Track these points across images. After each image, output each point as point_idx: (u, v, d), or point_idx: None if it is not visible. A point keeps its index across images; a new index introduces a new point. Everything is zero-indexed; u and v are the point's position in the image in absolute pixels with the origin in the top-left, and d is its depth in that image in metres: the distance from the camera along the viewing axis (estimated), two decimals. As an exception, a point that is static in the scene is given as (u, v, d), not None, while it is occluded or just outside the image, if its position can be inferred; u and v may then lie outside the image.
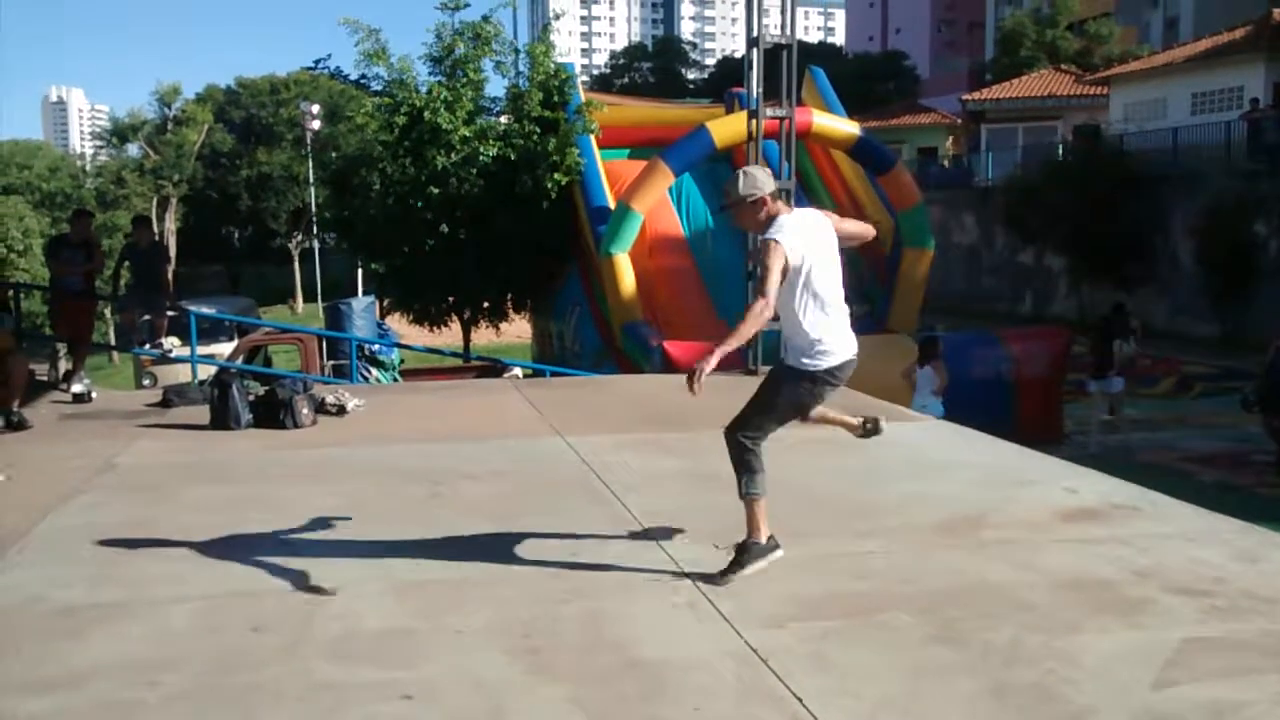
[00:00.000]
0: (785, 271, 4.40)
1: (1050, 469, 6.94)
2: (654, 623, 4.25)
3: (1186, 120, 30.65)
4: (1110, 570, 4.77)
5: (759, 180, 4.57)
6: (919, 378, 12.92)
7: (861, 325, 17.93)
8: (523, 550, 5.17)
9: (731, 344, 4.46)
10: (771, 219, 4.54)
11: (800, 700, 3.53)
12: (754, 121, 11.24)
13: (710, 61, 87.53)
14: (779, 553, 4.70)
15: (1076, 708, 3.46)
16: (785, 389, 4.71)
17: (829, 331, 4.59)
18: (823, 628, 4.16)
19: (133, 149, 59.72)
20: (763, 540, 4.66)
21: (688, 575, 4.76)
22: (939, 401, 12.55)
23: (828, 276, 4.57)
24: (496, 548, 5.25)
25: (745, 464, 4.64)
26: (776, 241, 4.41)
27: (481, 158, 17.72)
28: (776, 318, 4.58)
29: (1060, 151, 33.69)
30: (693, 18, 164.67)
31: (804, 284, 4.49)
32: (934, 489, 6.28)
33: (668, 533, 5.41)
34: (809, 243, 4.51)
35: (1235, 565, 4.83)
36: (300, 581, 4.72)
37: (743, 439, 4.66)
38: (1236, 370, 19.30)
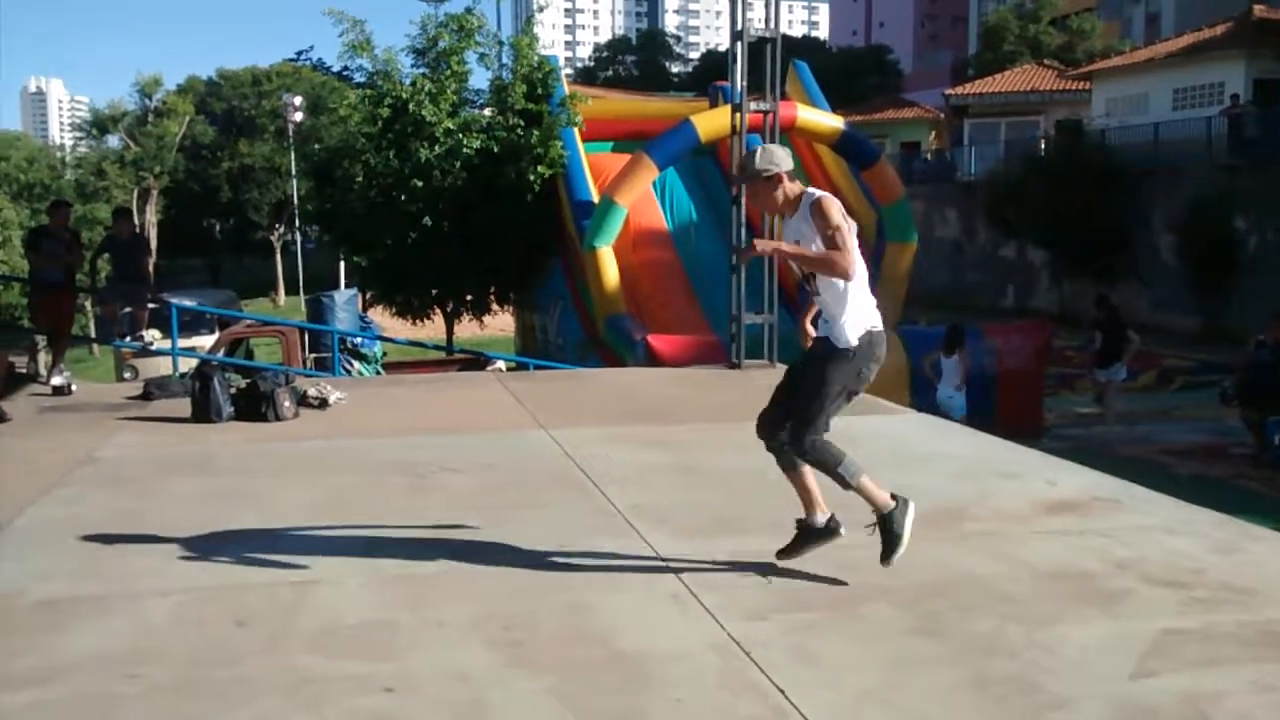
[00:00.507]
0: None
1: (1031, 462, 6.98)
2: (636, 615, 4.26)
3: (1168, 115, 30.79)
4: (1090, 562, 4.80)
5: (777, 156, 4.40)
6: (944, 367, 13.21)
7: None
8: (505, 543, 5.16)
9: (801, 255, 4.27)
10: (791, 200, 4.37)
11: (782, 692, 3.54)
12: (738, 115, 11.24)
13: (694, 55, 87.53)
14: (913, 505, 4.53)
15: (1056, 698, 3.48)
16: (835, 371, 4.43)
17: (872, 308, 4.47)
18: (805, 619, 4.17)
19: (113, 140, 59.30)
20: (892, 504, 4.49)
21: (670, 568, 4.77)
22: (962, 395, 12.93)
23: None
24: (479, 540, 5.26)
25: (829, 461, 4.42)
26: (834, 200, 4.24)
27: (465, 150, 17.67)
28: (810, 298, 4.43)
29: (1042, 146, 33.82)
30: (677, 11, 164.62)
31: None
32: (916, 481, 6.29)
33: (651, 525, 5.42)
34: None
35: (1213, 557, 4.87)
36: (282, 574, 4.71)
37: (811, 442, 4.42)
38: (1216, 364, 19.41)
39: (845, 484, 4.46)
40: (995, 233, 32.49)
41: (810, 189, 4.42)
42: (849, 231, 4.23)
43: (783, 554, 4.68)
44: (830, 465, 4.43)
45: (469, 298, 19.55)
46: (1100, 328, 15.25)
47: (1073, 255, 28.41)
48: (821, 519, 4.61)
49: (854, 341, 4.41)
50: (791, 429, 4.47)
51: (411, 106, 17.64)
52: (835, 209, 4.24)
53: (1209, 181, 25.51)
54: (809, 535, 4.64)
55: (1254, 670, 3.68)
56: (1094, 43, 45.94)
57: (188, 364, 12.12)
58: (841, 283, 4.30)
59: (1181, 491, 6.28)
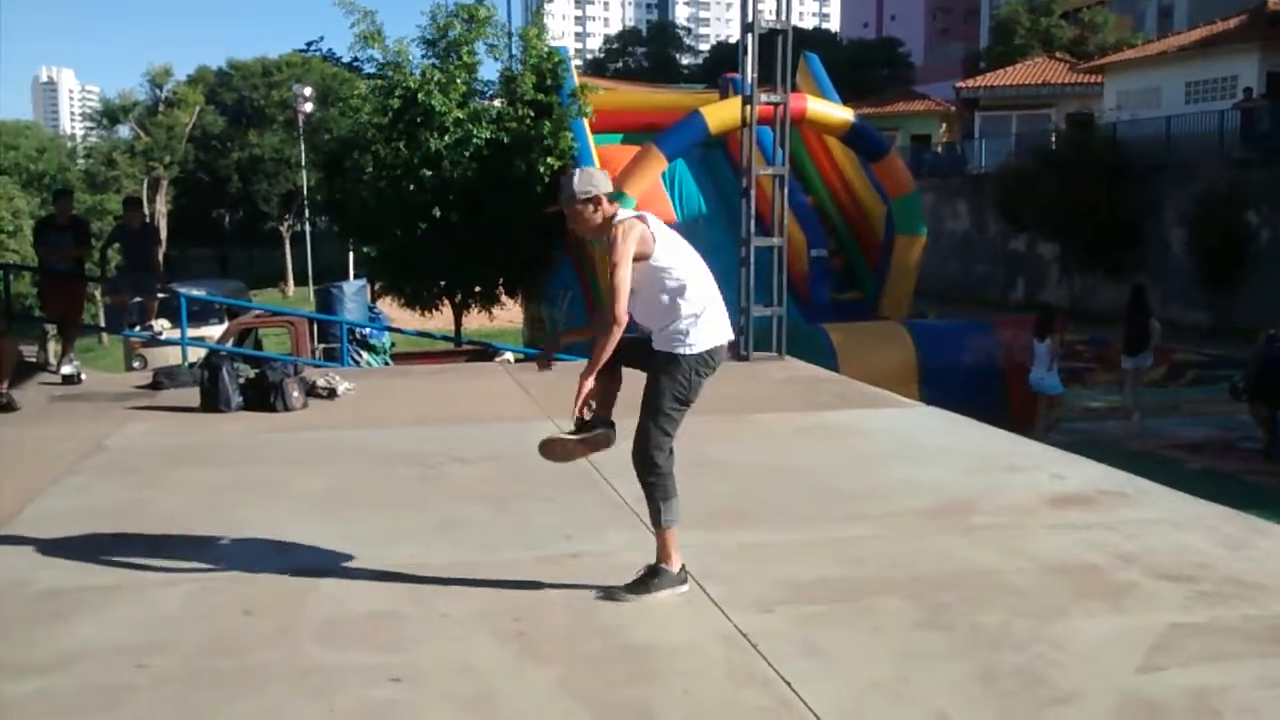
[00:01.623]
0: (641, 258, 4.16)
1: (1039, 455, 6.97)
2: (644, 607, 4.26)
3: (1180, 109, 30.63)
4: (1097, 556, 4.79)
5: (596, 179, 4.28)
6: (1037, 351, 13.70)
7: (854, 311, 18.05)
8: (512, 534, 5.17)
9: (595, 363, 4.27)
10: (609, 220, 4.26)
11: (789, 684, 3.54)
12: (748, 107, 11.22)
13: (705, 47, 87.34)
14: (684, 587, 4.36)
15: (1063, 691, 3.48)
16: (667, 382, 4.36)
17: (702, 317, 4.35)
18: (812, 612, 4.17)
19: (123, 130, 59.43)
20: (675, 569, 4.35)
21: (677, 559, 4.77)
22: (1055, 374, 13.55)
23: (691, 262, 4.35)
24: (486, 531, 5.27)
25: (659, 489, 4.32)
26: (631, 227, 4.17)
27: (475, 140, 17.66)
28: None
29: (1053, 140, 33.69)
30: (687, 3, 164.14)
31: (666, 271, 4.25)
32: (924, 475, 6.30)
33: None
34: (662, 231, 4.30)
35: (1221, 551, 4.86)
36: (290, 565, 4.73)
37: (654, 456, 4.32)
38: (1227, 358, 19.34)
39: (659, 521, 4.33)
40: (1005, 226, 32.39)
41: (623, 213, 4.28)
42: (625, 263, 4.12)
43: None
44: (657, 494, 4.33)
45: (477, 289, 19.54)
46: (1126, 317, 15.41)
47: (1083, 249, 28.31)
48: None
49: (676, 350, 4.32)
50: (635, 441, 4.40)
51: (421, 96, 17.63)
52: (624, 238, 4.13)
53: (1221, 175, 25.39)
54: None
55: (1261, 665, 3.67)
56: (1106, 36, 45.69)
57: (197, 354, 12.15)
58: (666, 297, 4.24)
59: (1190, 486, 6.26)
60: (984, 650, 3.81)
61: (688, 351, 4.29)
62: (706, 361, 4.33)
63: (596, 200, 4.26)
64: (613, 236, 4.16)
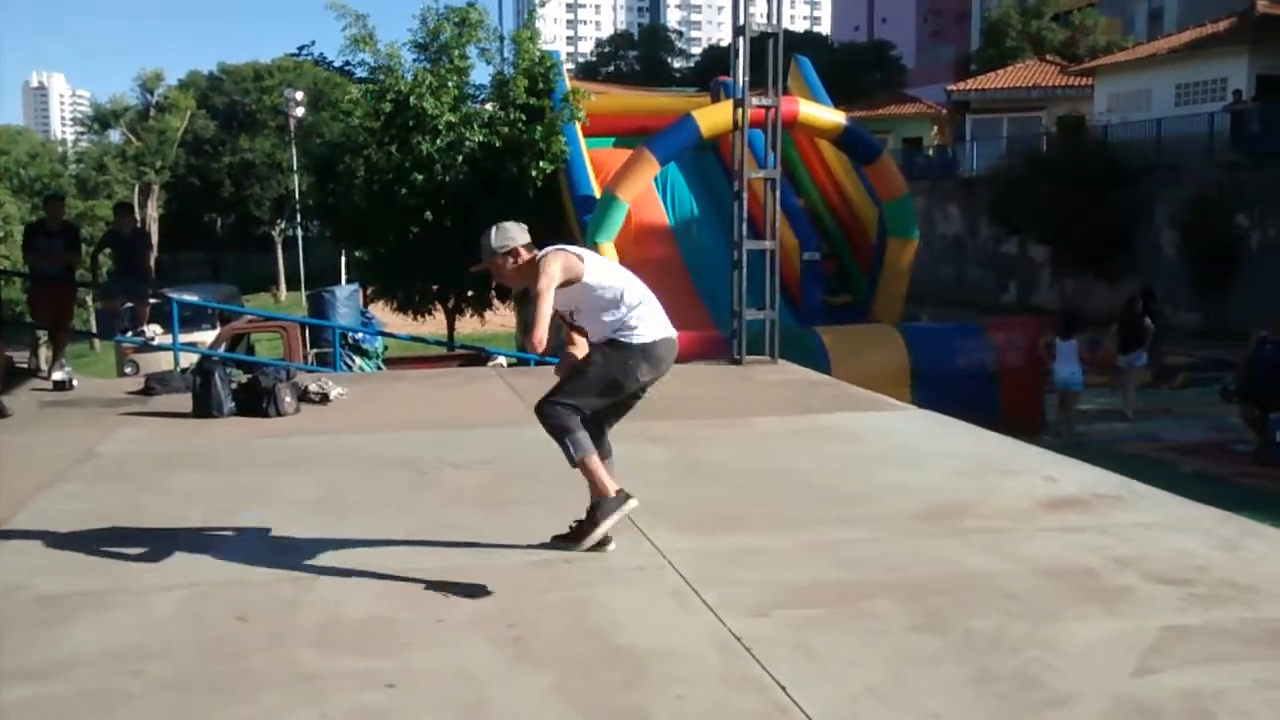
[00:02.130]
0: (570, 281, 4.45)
1: (1032, 458, 6.97)
2: (637, 611, 4.25)
3: (1170, 111, 30.73)
4: (1092, 559, 4.80)
5: (510, 232, 4.54)
6: (1061, 349, 14.56)
7: (846, 314, 18.05)
8: (506, 538, 5.16)
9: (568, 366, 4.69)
10: (532, 262, 4.52)
11: (784, 688, 3.54)
12: (740, 110, 11.23)
13: (696, 50, 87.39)
14: (633, 503, 4.62)
15: (1058, 694, 3.48)
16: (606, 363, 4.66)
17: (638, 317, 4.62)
18: (806, 616, 4.17)
19: (114, 135, 59.32)
20: (610, 494, 4.59)
21: (672, 564, 4.77)
22: (1080, 372, 14.61)
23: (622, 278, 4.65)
24: (480, 536, 5.25)
25: (562, 431, 4.57)
26: (552, 258, 4.43)
27: (467, 143, 17.67)
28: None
29: (1044, 143, 33.77)
30: (679, 6, 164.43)
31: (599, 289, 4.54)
32: (917, 478, 6.31)
33: (652, 521, 5.41)
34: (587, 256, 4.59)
35: (1215, 554, 4.87)
36: (283, 570, 4.71)
37: (554, 408, 4.61)
38: (1218, 360, 19.40)
39: (571, 459, 4.56)
40: (997, 229, 32.46)
41: (545, 249, 4.53)
42: (548, 293, 4.37)
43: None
44: (561, 433, 4.55)
45: (470, 293, 19.55)
46: (1120, 318, 16.11)
47: (1075, 251, 28.39)
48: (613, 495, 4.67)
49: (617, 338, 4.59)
50: (547, 394, 4.63)
51: (413, 100, 17.63)
52: (546, 270, 4.39)
53: (1211, 178, 25.48)
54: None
55: (1256, 667, 3.67)
56: (1097, 38, 45.83)
57: (189, 359, 12.12)
58: (605, 308, 4.53)
59: (1183, 488, 6.27)
60: (978, 653, 3.81)
61: (630, 340, 4.56)
62: (647, 354, 4.57)
63: (514, 252, 4.53)
64: (538, 269, 4.42)
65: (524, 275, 4.53)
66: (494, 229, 4.57)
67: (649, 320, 4.62)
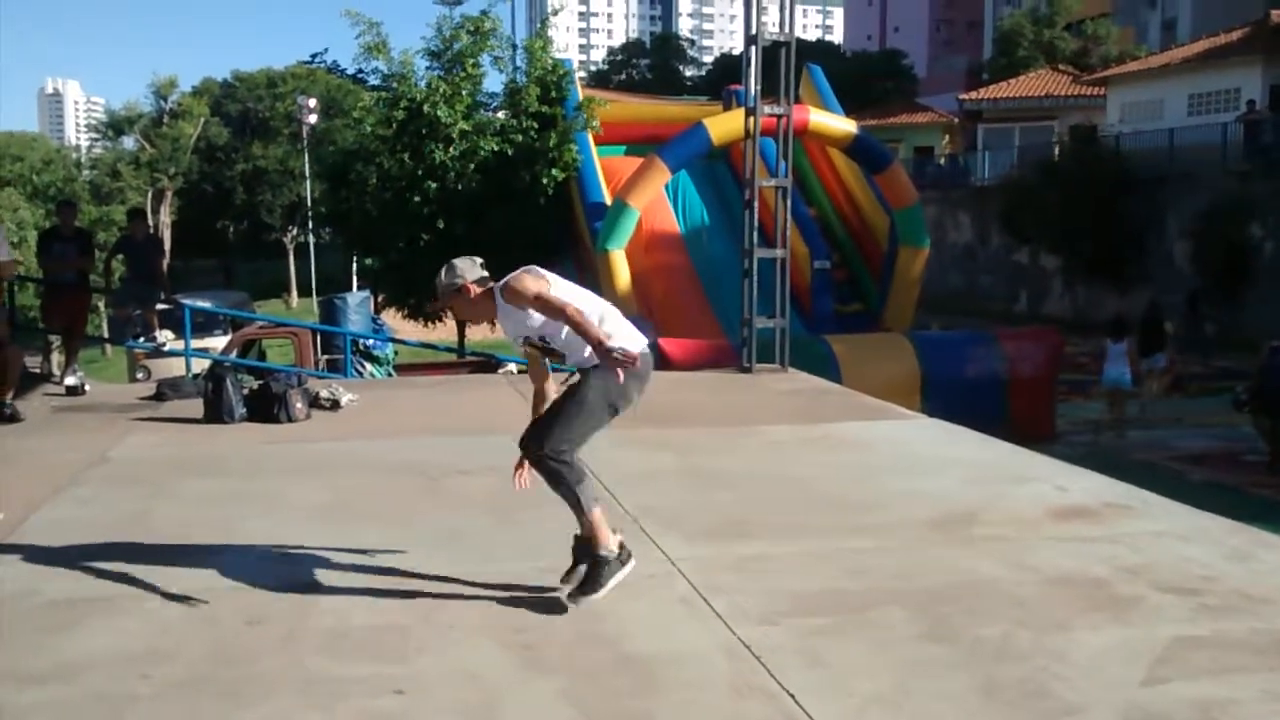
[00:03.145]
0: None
1: (1042, 467, 6.95)
2: (647, 618, 4.26)
3: (1183, 121, 30.67)
4: (1101, 568, 4.79)
5: (460, 268, 4.43)
6: (1112, 352, 15.45)
7: (857, 323, 18.05)
8: (515, 545, 5.17)
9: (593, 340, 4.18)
10: (487, 299, 4.42)
11: (793, 696, 3.54)
12: (751, 119, 11.24)
13: (708, 59, 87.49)
14: (632, 564, 4.37)
15: (1067, 704, 3.47)
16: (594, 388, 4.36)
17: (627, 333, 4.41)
18: (815, 624, 4.17)
19: (128, 142, 59.55)
20: (613, 553, 4.33)
21: (681, 571, 4.78)
22: (1129, 373, 15.48)
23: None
24: (489, 542, 5.27)
25: (570, 473, 4.28)
26: (518, 276, 4.29)
27: (481, 152, 17.71)
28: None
29: (1056, 152, 33.72)
30: (691, 14, 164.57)
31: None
32: (927, 486, 6.30)
33: (661, 528, 5.42)
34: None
35: (1226, 564, 4.85)
36: (293, 575, 4.73)
37: (560, 450, 4.27)
38: (1231, 370, 19.33)
39: (585, 508, 4.28)
40: (1008, 238, 32.43)
41: (501, 281, 4.37)
42: (551, 287, 4.26)
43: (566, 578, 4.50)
44: (572, 483, 4.26)
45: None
46: (1142, 325, 17.16)
47: (1086, 261, 28.34)
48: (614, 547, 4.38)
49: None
50: (537, 431, 4.34)
51: (426, 108, 17.68)
52: (523, 283, 4.26)
53: (1224, 188, 25.41)
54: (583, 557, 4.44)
55: (1266, 679, 3.66)
56: (1109, 48, 45.77)
57: (201, 365, 12.16)
58: (564, 332, 4.27)
59: (1194, 498, 6.25)
60: (987, 662, 3.80)
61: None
62: (637, 370, 4.29)
63: (466, 289, 4.41)
64: (512, 289, 4.27)
65: (480, 309, 4.45)
66: (446, 266, 4.49)
67: (628, 334, 4.38)
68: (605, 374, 4.24)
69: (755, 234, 11.34)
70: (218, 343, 19.08)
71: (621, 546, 4.37)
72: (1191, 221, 25.88)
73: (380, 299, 20.97)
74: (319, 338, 16.60)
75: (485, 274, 4.47)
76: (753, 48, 11.06)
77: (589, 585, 4.30)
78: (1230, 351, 22.08)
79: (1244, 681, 3.64)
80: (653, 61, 76.01)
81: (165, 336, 12.16)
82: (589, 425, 4.32)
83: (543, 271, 4.40)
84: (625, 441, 7.60)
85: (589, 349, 4.20)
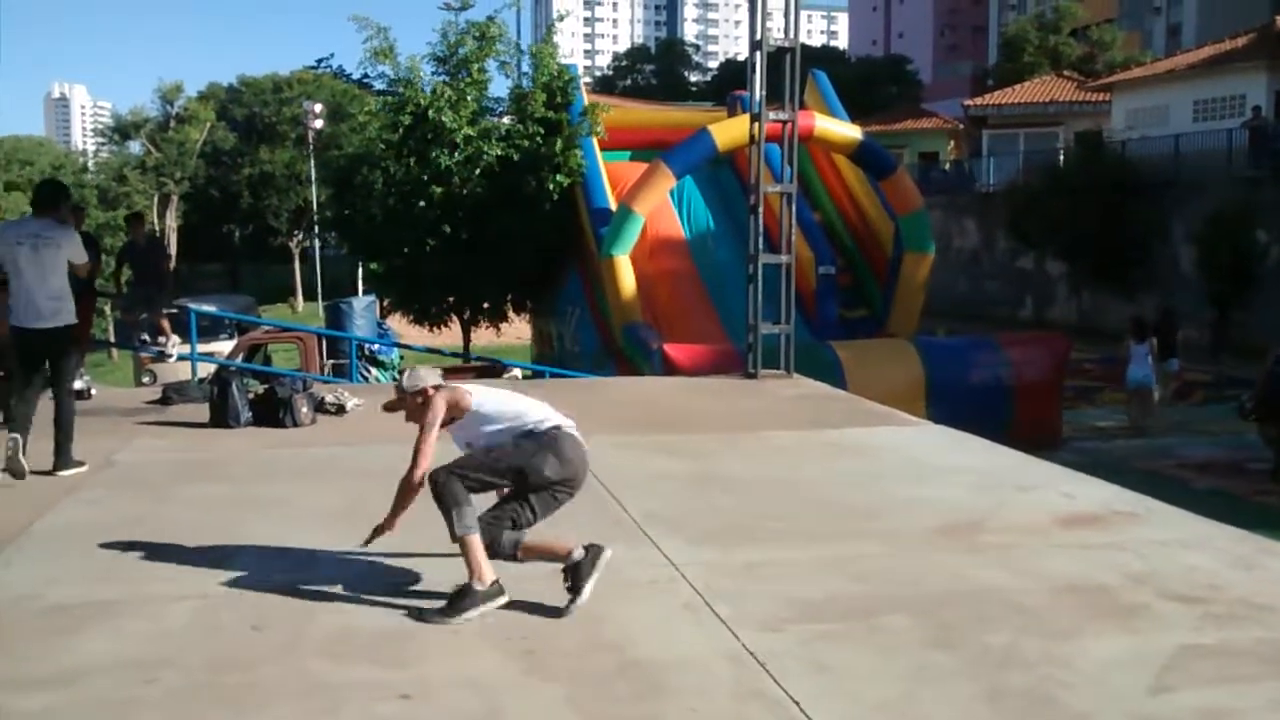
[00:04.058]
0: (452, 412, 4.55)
1: (1048, 474, 6.94)
2: (651, 624, 4.25)
3: (1188, 127, 30.63)
4: (1107, 576, 4.77)
5: (420, 374, 4.67)
6: (1135, 352, 15.96)
7: (862, 329, 18.05)
8: (520, 551, 5.16)
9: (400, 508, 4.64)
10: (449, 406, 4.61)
11: (797, 703, 3.53)
12: (756, 125, 11.24)
13: (713, 64, 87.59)
14: (503, 599, 4.35)
15: (1072, 712, 3.46)
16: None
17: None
18: (819, 630, 4.16)
19: (134, 146, 59.80)
20: (486, 584, 4.33)
21: (685, 577, 4.77)
22: (1153, 372, 16.04)
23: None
24: (494, 548, 5.25)
25: (449, 496, 4.39)
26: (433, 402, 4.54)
27: (485, 158, 17.72)
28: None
29: (1061, 158, 33.69)
30: (695, 20, 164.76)
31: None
32: (932, 493, 6.29)
33: (665, 534, 5.41)
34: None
35: (1231, 572, 4.84)
36: (298, 580, 4.73)
37: (449, 476, 4.46)
38: (1236, 378, 19.27)
39: (454, 531, 4.35)
40: (1013, 244, 32.38)
41: (448, 386, 4.63)
42: (430, 430, 4.52)
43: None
44: (450, 505, 4.37)
45: (486, 305, 19.59)
46: (1156, 330, 17.29)
47: (1091, 267, 28.29)
48: (578, 553, 4.46)
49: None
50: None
51: (431, 113, 17.70)
52: (429, 407, 4.54)
53: (1230, 194, 25.35)
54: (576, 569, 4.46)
55: (1272, 687, 3.65)
56: (1114, 54, 45.77)
57: (206, 369, 12.16)
58: (498, 424, 4.54)
59: (1199, 506, 6.23)
60: (992, 670, 3.79)
61: (535, 429, 4.54)
62: (554, 446, 4.48)
63: (425, 393, 4.59)
64: (422, 407, 4.56)
65: (449, 410, 4.62)
66: (407, 372, 4.74)
67: (555, 422, 4.60)
68: (519, 440, 4.51)
69: (760, 239, 11.34)
70: (223, 347, 19.12)
71: (494, 582, 4.38)
72: (1197, 227, 25.84)
73: (385, 304, 21.00)
74: (324, 342, 16.64)
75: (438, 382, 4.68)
76: (758, 53, 11.06)
77: (448, 609, 4.32)
78: (1236, 358, 22.03)
79: (1250, 690, 3.63)
80: (658, 67, 76.10)
81: (173, 342, 12.14)
82: (486, 469, 4.48)
83: (462, 389, 4.65)
84: (630, 447, 7.61)
85: (507, 435, 4.52)
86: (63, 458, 6.96)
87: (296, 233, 57.13)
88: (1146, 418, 16.24)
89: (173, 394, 9.81)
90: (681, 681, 3.71)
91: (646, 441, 7.86)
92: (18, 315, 6.91)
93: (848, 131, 17.32)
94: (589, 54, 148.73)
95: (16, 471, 6.66)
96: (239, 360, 15.65)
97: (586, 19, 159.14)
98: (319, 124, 49.93)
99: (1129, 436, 16.03)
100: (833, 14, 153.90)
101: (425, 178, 17.73)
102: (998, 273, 34.65)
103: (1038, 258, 31.78)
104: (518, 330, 22.90)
